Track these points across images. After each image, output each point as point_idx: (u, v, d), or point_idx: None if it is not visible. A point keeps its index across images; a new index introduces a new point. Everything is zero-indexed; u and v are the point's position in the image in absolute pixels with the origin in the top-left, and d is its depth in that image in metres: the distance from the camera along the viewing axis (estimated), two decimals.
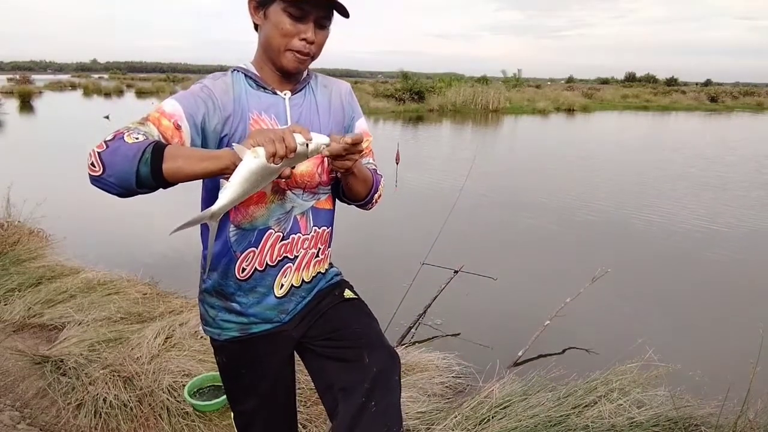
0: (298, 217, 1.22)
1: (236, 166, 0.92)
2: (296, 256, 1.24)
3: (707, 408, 2.24)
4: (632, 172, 9.44)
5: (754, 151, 12.59)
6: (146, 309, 3.12)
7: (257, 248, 1.19)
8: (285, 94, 1.19)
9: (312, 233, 1.25)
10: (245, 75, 1.17)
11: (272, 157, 0.91)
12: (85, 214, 5.92)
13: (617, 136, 16.32)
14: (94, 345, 2.60)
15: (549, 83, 63.62)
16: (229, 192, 0.93)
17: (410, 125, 17.33)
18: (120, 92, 34.89)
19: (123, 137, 0.94)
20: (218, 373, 1.38)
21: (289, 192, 1.19)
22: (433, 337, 3.32)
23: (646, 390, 2.35)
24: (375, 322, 1.32)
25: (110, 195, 0.98)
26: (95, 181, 0.95)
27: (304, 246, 1.25)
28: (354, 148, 1.05)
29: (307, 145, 0.97)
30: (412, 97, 23.66)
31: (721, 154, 12.01)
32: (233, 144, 0.94)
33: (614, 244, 5.44)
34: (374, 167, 1.33)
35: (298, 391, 1.61)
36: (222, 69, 1.23)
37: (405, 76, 26.06)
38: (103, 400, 2.19)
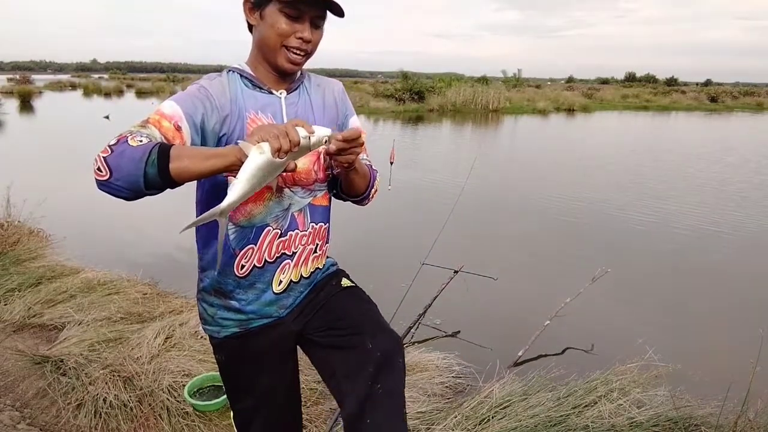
0: (296, 214, 1.24)
1: (242, 163, 0.94)
2: (294, 253, 1.25)
3: (707, 408, 2.24)
4: (632, 173, 9.44)
5: (754, 152, 12.59)
6: (146, 309, 3.12)
7: (256, 245, 1.21)
8: (281, 94, 1.21)
9: (309, 230, 1.27)
10: (240, 75, 1.18)
11: (277, 151, 0.93)
12: (84, 214, 5.92)
13: (617, 136, 16.33)
14: (94, 345, 2.60)
15: (549, 83, 63.64)
16: (237, 188, 0.94)
17: (410, 125, 17.33)
18: (120, 92, 34.89)
19: (127, 140, 0.95)
20: (218, 373, 1.38)
21: (286, 189, 1.20)
22: (433, 337, 3.32)
23: (646, 390, 2.35)
24: (374, 306, 1.32)
25: (116, 198, 0.98)
26: (103, 185, 0.95)
27: (302, 242, 1.26)
28: (356, 141, 1.07)
29: (309, 137, 0.99)
30: (412, 97, 23.67)
31: (721, 155, 12.01)
32: (238, 141, 0.96)
33: (614, 244, 5.44)
34: (369, 162, 1.35)
35: None
36: (220, 69, 1.23)
37: (405, 76, 26.06)
38: (103, 400, 2.19)
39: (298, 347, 1.37)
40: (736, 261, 4.96)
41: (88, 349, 2.56)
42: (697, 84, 72.72)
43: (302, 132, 0.98)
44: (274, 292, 1.25)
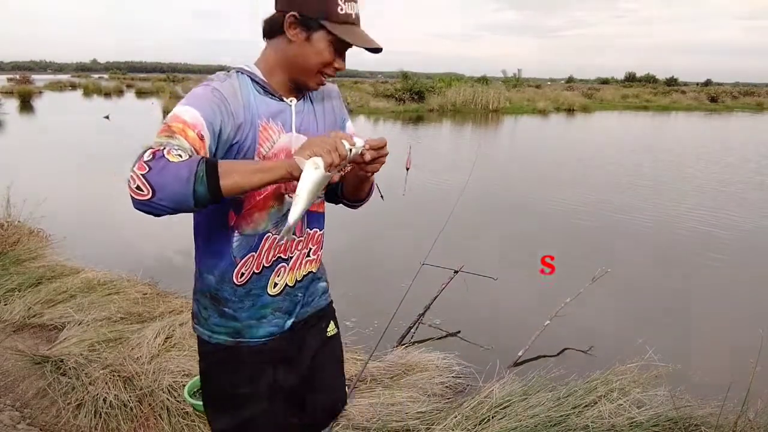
0: None
1: (292, 176, 0.98)
2: (290, 257, 1.26)
3: (707, 408, 2.24)
4: (632, 173, 9.44)
5: (754, 152, 12.59)
6: (146, 309, 3.12)
7: (256, 252, 1.20)
8: (291, 101, 1.20)
9: (305, 235, 1.28)
10: (251, 79, 1.15)
11: (329, 166, 0.98)
12: (85, 214, 5.92)
13: (617, 136, 16.32)
14: (94, 345, 2.60)
15: (549, 83, 63.61)
16: (300, 204, 0.99)
17: (410, 125, 17.33)
18: (120, 92, 34.85)
19: (164, 155, 0.91)
20: None
21: (286, 196, 1.20)
22: (433, 337, 3.32)
23: (646, 390, 2.35)
24: (341, 369, 1.48)
25: (152, 216, 0.96)
26: (144, 205, 0.91)
27: (299, 247, 1.27)
28: (383, 149, 1.12)
29: (351, 150, 1.04)
30: (412, 97, 23.66)
31: (720, 155, 12.01)
32: (294, 156, 0.99)
33: (614, 244, 5.44)
34: None
35: None
36: (221, 69, 1.21)
37: (405, 76, 26.06)
38: (103, 400, 2.19)
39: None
40: (736, 261, 4.96)
41: (88, 349, 2.56)
42: (697, 84, 72.70)
43: (346, 145, 1.02)
44: (269, 294, 1.24)
